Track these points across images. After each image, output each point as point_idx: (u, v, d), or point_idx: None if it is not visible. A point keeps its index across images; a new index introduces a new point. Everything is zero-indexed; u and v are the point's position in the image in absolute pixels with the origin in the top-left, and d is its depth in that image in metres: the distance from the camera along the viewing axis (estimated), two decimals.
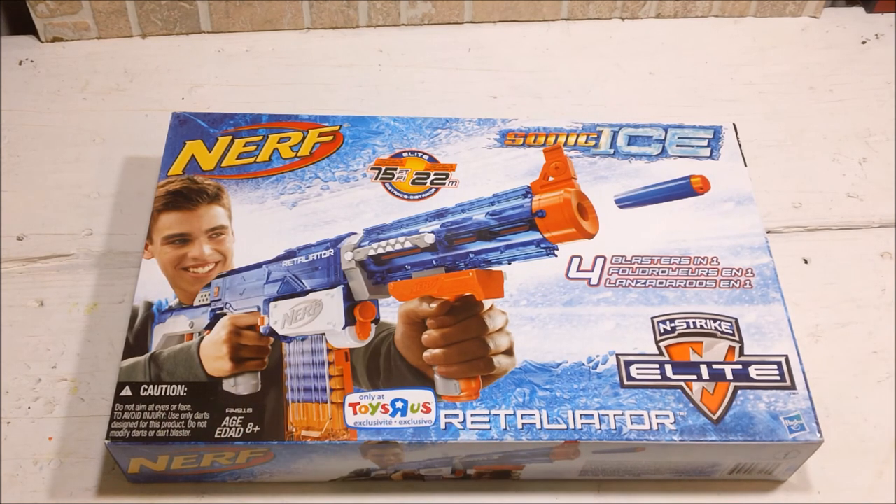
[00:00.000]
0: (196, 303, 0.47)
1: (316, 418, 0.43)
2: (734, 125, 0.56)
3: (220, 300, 0.47)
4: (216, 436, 0.43)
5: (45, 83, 0.67)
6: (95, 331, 0.54)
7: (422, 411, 0.43)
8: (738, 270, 0.49)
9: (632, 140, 0.54)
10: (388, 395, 0.44)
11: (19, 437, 0.49)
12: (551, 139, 0.53)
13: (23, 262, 0.57)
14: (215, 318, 0.46)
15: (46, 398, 0.51)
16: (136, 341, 0.46)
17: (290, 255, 0.47)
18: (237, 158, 0.51)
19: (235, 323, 0.46)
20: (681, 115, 0.67)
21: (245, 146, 0.52)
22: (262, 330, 0.46)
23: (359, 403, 0.44)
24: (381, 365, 0.45)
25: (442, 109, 0.66)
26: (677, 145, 0.54)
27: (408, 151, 0.52)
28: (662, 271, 0.49)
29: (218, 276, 0.48)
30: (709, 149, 0.54)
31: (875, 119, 0.69)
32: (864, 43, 0.74)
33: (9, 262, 0.57)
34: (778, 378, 0.45)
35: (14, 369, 0.52)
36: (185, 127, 0.53)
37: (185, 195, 0.50)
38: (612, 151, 0.53)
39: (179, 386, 0.44)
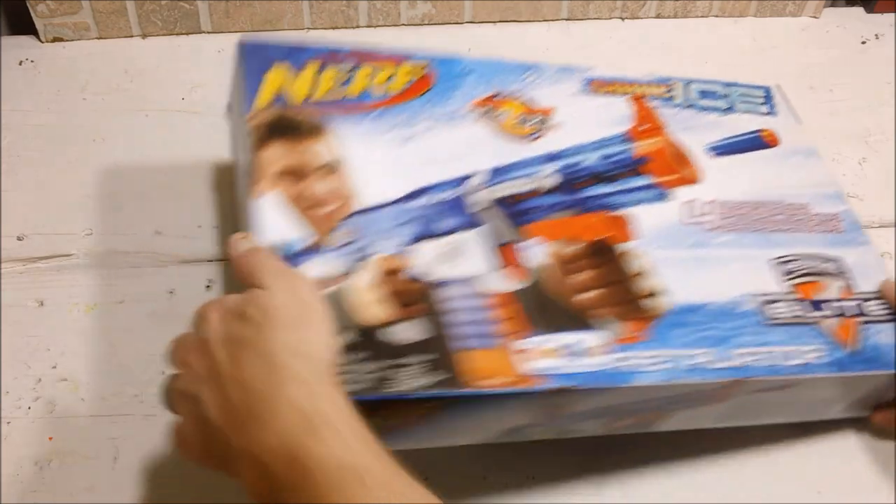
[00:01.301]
0: (335, 243, 0.41)
1: (490, 365, 0.39)
2: (779, 85, 0.58)
3: (355, 242, 0.42)
4: (388, 389, 0.37)
5: (45, 83, 0.67)
6: (96, 331, 0.54)
7: (594, 355, 0.41)
8: (826, 216, 0.51)
9: (702, 94, 0.54)
10: (558, 339, 0.41)
11: (19, 437, 0.49)
12: (631, 90, 0.52)
13: (23, 262, 0.57)
14: (356, 262, 0.41)
15: (47, 398, 0.51)
16: None
17: (420, 193, 0.43)
18: (330, 91, 0.45)
19: (385, 266, 0.41)
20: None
21: (337, 74, 0.46)
22: (409, 272, 0.41)
23: (533, 349, 0.40)
24: (543, 306, 0.42)
25: None
26: (741, 102, 0.55)
27: (502, 93, 0.49)
28: (767, 216, 0.50)
29: (347, 217, 0.42)
30: (766, 106, 0.56)
31: (875, 119, 0.69)
32: (864, 43, 0.75)
33: (9, 262, 0.57)
34: (890, 313, 0.48)
35: (14, 369, 0.52)
36: (258, 57, 0.46)
37: (287, 126, 0.44)
38: (687, 104, 0.53)
39: None
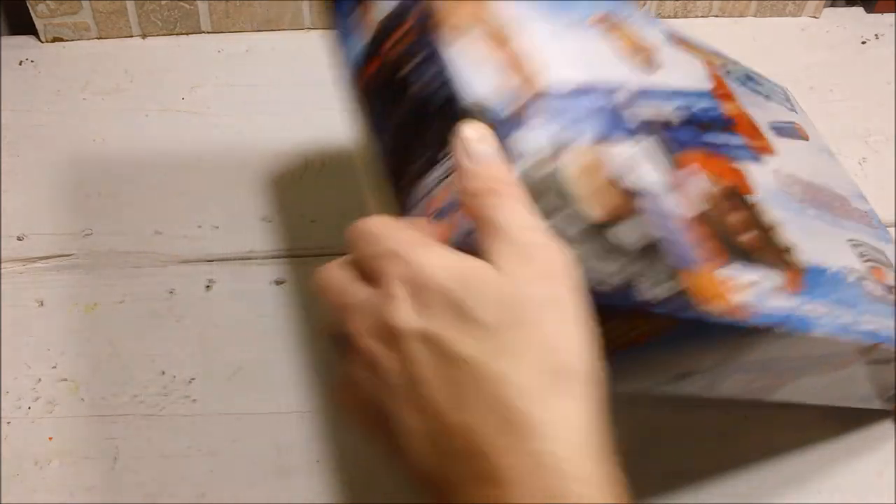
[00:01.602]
0: (530, 120, 0.34)
1: (706, 289, 0.35)
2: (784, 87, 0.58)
3: (553, 124, 0.35)
4: (636, 297, 0.33)
5: (45, 83, 0.67)
6: (96, 331, 0.54)
7: (778, 298, 0.38)
8: (861, 212, 0.51)
9: (748, 77, 0.53)
10: (747, 274, 0.37)
11: (19, 437, 0.49)
12: (701, 54, 0.49)
13: (23, 262, 0.57)
14: (559, 146, 0.34)
15: (47, 398, 0.51)
16: None
17: (587, 91, 0.38)
18: None
19: (591, 157, 0.33)
20: None
21: None
22: (612, 172, 0.36)
23: (732, 280, 0.37)
24: (725, 236, 0.37)
25: None
26: (772, 94, 0.54)
27: (611, 19, 0.44)
28: (828, 201, 0.49)
29: (539, 92, 0.35)
30: (788, 103, 0.55)
31: (875, 119, 0.69)
32: (864, 43, 0.75)
33: (9, 262, 0.57)
34: None
35: (14, 369, 0.52)
36: None
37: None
38: (742, 82, 0.51)
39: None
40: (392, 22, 0.36)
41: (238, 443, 0.49)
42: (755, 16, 0.76)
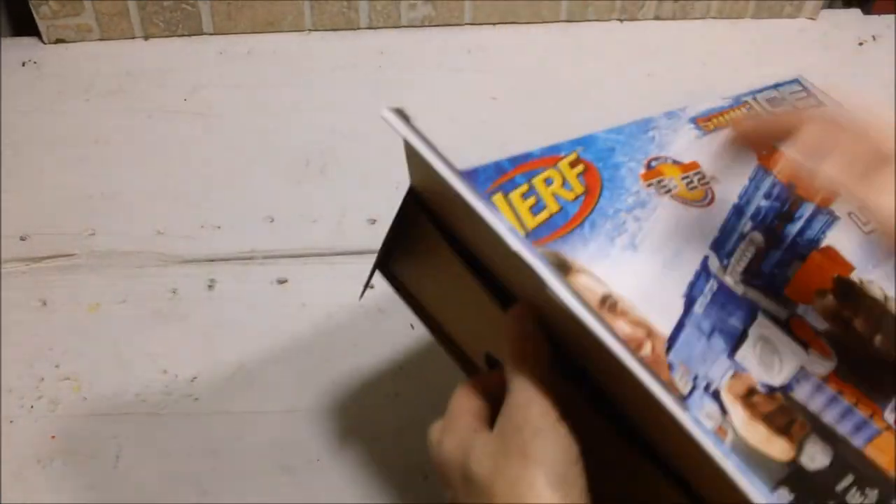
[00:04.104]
0: (685, 392, 0.38)
1: (891, 454, 0.37)
2: (800, 75, 0.56)
3: (696, 376, 0.38)
4: None
5: (47, 84, 0.68)
6: (98, 330, 0.54)
7: None
8: None
9: (771, 102, 0.51)
10: None
11: (22, 435, 0.49)
12: (729, 118, 0.49)
13: (26, 262, 0.57)
14: (716, 396, 0.38)
15: (49, 397, 0.51)
16: None
17: (690, 300, 0.40)
18: (534, 216, 0.41)
19: (737, 394, 0.37)
20: None
21: (525, 200, 0.41)
22: (761, 389, 0.38)
23: None
24: (863, 372, 0.39)
25: (443, 110, 0.67)
26: (796, 100, 0.52)
27: (653, 160, 0.45)
28: None
29: (668, 352, 0.38)
30: (812, 98, 0.53)
31: None
32: (861, 45, 0.75)
33: (12, 262, 0.57)
34: None
35: (17, 368, 0.52)
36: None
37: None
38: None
39: None
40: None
41: (239, 441, 0.50)
42: (753, 17, 0.76)
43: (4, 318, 0.54)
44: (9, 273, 0.56)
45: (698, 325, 0.39)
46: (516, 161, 0.42)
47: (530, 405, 0.31)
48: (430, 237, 0.39)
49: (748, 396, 0.37)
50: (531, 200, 0.41)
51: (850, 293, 0.40)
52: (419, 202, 0.40)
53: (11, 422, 0.50)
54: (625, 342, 0.29)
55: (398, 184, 0.62)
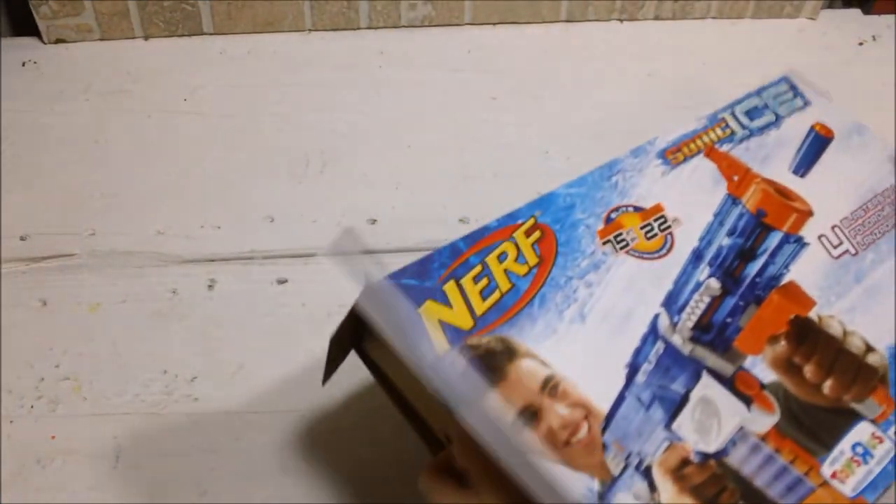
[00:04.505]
0: (616, 473, 0.38)
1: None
2: (791, 70, 0.56)
3: (629, 454, 0.38)
4: None
5: (48, 84, 0.68)
6: (98, 330, 0.54)
7: (877, 443, 0.39)
8: None
9: (749, 115, 0.51)
10: (842, 447, 0.39)
11: (22, 435, 0.49)
12: (700, 143, 0.49)
13: (26, 262, 0.57)
14: (647, 473, 0.38)
15: (49, 397, 0.51)
16: None
17: (633, 368, 0.40)
18: (484, 300, 0.42)
19: (668, 468, 0.38)
20: (679, 117, 0.68)
21: (476, 283, 0.43)
22: (694, 458, 0.38)
23: (835, 471, 0.39)
24: (806, 422, 0.39)
25: (443, 110, 0.67)
26: (779, 105, 0.52)
27: (613, 211, 0.46)
28: (876, 216, 0.47)
29: (603, 432, 0.39)
30: (798, 98, 0.53)
31: (872, 121, 0.69)
32: (860, 45, 0.75)
33: (12, 262, 0.57)
34: None
35: (17, 368, 0.52)
36: (406, 296, 0.42)
37: (481, 368, 0.40)
38: (748, 133, 0.50)
39: None
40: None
41: (239, 441, 0.50)
42: (752, 17, 0.76)
43: (4, 318, 0.54)
44: (9, 273, 0.57)
45: (638, 397, 0.39)
46: (472, 239, 0.43)
47: None
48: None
49: (680, 469, 0.38)
50: (483, 282, 0.42)
51: (806, 333, 0.41)
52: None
53: (11, 422, 0.50)
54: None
55: (398, 184, 0.62)
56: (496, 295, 0.42)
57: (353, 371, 0.53)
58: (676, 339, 0.41)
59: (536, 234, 0.44)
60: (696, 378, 0.40)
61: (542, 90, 0.69)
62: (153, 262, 0.57)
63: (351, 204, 0.61)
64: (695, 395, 0.39)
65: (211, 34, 0.72)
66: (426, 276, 0.42)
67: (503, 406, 0.38)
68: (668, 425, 0.39)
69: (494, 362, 0.39)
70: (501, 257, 0.43)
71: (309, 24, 0.72)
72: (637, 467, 0.38)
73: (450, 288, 0.42)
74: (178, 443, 0.49)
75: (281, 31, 0.72)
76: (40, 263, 0.57)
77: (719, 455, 0.38)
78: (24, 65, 0.69)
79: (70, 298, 0.55)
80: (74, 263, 0.57)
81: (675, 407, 0.39)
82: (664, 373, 0.40)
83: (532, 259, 0.43)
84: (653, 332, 0.41)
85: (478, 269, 0.43)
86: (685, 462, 0.38)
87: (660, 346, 0.41)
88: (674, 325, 0.41)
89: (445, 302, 0.41)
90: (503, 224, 0.44)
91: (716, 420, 0.39)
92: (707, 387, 0.39)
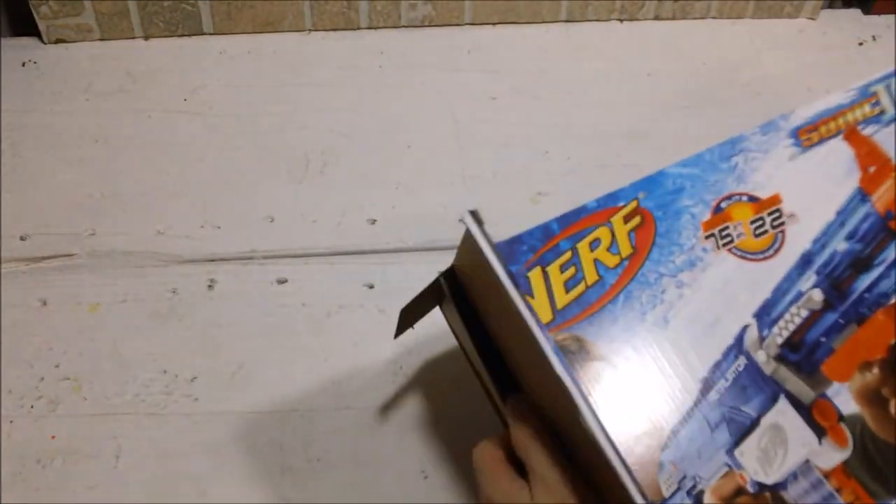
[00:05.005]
0: (666, 495, 0.36)
1: None
2: None
3: (684, 476, 0.36)
4: None
5: (47, 84, 0.68)
6: (98, 330, 0.54)
7: None
8: None
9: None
10: None
11: (22, 435, 0.49)
12: (841, 122, 0.43)
13: (26, 262, 0.57)
14: (698, 498, 0.36)
15: (49, 397, 0.51)
16: None
17: (707, 385, 0.38)
18: (567, 292, 0.39)
19: (721, 496, 0.36)
20: (679, 116, 0.68)
21: (563, 272, 0.39)
22: (750, 488, 0.36)
23: None
24: (878, 463, 0.37)
25: (443, 110, 0.67)
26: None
27: (724, 199, 0.41)
28: None
29: (663, 450, 0.37)
30: None
31: None
32: (861, 45, 0.75)
33: (12, 262, 0.57)
34: None
35: (17, 368, 0.52)
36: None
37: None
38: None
39: None
40: None
41: (239, 441, 0.50)
42: (753, 17, 0.76)
43: (4, 318, 0.54)
44: (8, 273, 0.57)
45: (706, 417, 0.37)
46: (566, 220, 0.40)
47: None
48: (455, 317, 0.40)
49: (733, 498, 0.36)
50: (570, 272, 0.39)
51: None
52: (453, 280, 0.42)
53: (11, 422, 0.50)
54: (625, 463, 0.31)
55: (398, 184, 0.62)
56: (581, 287, 0.39)
57: (353, 371, 0.53)
58: (760, 357, 0.38)
59: (636, 220, 0.40)
60: (771, 402, 0.37)
61: (542, 90, 0.69)
62: (153, 262, 0.57)
63: (351, 204, 0.61)
64: (766, 420, 0.37)
65: (211, 34, 0.72)
66: (513, 258, 0.39)
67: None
68: (730, 450, 0.36)
69: (567, 363, 0.36)
70: (594, 244, 0.40)
71: (309, 24, 0.72)
72: (689, 491, 0.36)
73: (535, 275, 0.39)
74: (178, 443, 0.49)
75: (281, 31, 0.72)
76: (40, 263, 0.57)
77: (777, 488, 0.36)
78: (24, 65, 0.69)
79: (70, 298, 0.55)
80: (74, 263, 0.57)
81: (742, 432, 0.37)
82: (739, 392, 0.37)
83: (625, 249, 0.40)
84: (737, 346, 0.38)
85: (567, 255, 0.39)
86: (739, 491, 0.36)
87: (741, 362, 0.37)
88: (762, 339, 0.38)
89: (528, 290, 0.38)
90: (602, 205, 0.40)
91: (782, 449, 0.36)
92: (781, 413, 0.37)
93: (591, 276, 0.39)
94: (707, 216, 0.40)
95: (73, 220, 0.59)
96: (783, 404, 0.37)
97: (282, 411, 0.51)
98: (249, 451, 0.49)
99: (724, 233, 0.40)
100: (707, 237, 0.40)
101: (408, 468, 0.49)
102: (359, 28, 0.73)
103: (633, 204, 0.40)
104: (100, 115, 0.66)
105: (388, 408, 0.51)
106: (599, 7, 0.74)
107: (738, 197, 0.41)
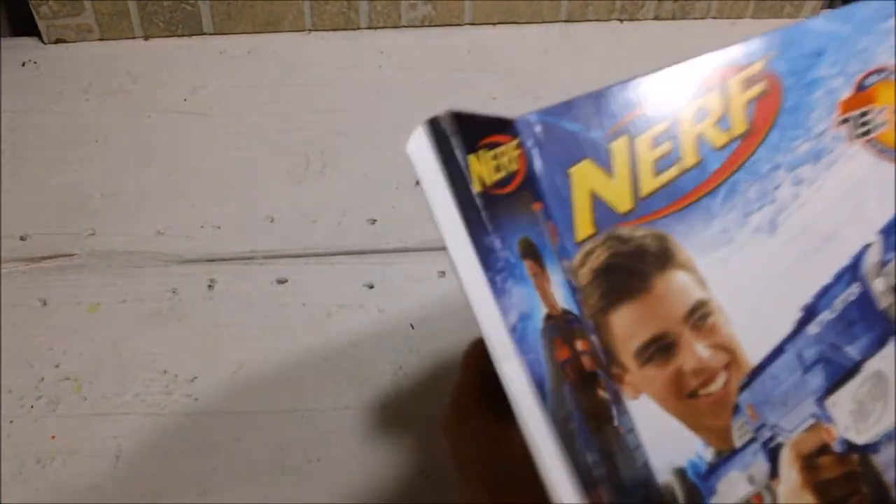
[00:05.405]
0: (738, 444, 0.30)
1: None
2: None
3: (762, 425, 0.30)
4: None
5: (47, 84, 0.68)
6: (98, 330, 0.54)
7: None
8: None
9: None
10: None
11: (22, 435, 0.49)
12: None
13: (26, 262, 0.57)
14: (773, 453, 0.30)
15: (49, 397, 0.51)
16: None
17: (810, 313, 0.31)
18: (657, 175, 0.31)
19: (802, 453, 0.30)
20: None
21: (655, 147, 0.31)
22: (836, 448, 0.30)
23: None
24: None
25: (442, 110, 0.67)
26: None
27: (872, 74, 0.32)
28: None
29: (741, 390, 0.30)
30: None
31: None
32: None
33: (12, 262, 0.57)
34: None
35: (17, 368, 0.52)
36: (546, 139, 0.31)
37: (624, 269, 0.30)
38: None
39: None
40: (575, 325, 0.30)
41: (239, 441, 0.50)
42: (753, 17, 0.76)
43: (4, 318, 0.54)
44: (9, 273, 0.57)
45: (800, 354, 0.30)
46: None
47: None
48: None
49: (815, 456, 0.30)
50: (664, 148, 0.31)
51: None
52: None
53: (11, 422, 0.50)
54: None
55: (398, 184, 0.62)
56: (674, 171, 0.31)
57: (353, 371, 0.53)
58: (878, 286, 0.30)
59: (759, 87, 0.32)
60: (879, 344, 0.30)
61: (542, 90, 0.69)
62: (153, 262, 0.57)
63: (351, 204, 0.61)
64: (869, 366, 0.30)
65: (211, 34, 0.72)
66: (595, 121, 0.31)
67: (633, 328, 0.29)
68: (821, 399, 0.30)
69: (642, 266, 0.30)
70: (700, 115, 0.32)
71: (309, 24, 0.72)
72: (765, 444, 0.30)
73: (619, 147, 0.31)
74: (178, 443, 0.49)
75: (281, 31, 0.72)
76: (40, 263, 0.57)
77: (867, 449, 0.30)
78: (24, 65, 0.69)
79: (70, 298, 0.55)
80: (74, 263, 0.57)
81: (840, 377, 0.30)
82: (845, 328, 0.30)
83: (739, 126, 0.31)
84: (853, 269, 0.31)
85: (663, 126, 0.32)
86: (823, 449, 0.30)
87: (854, 290, 0.30)
88: (882, 264, 0.30)
89: (606, 166, 0.31)
90: (721, 62, 0.32)
91: (881, 404, 0.30)
92: (887, 359, 0.30)
93: (689, 156, 0.31)
94: (847, 93, 0.31)
95: (73, 220, 0.59)
96: (892, 349, 0.30)
97: (282, 411, 0.51)
98: (249, 450, 0.49)
99: (863, 118, 0.32)
100: (841, 122, 0.31)
101: (408, 468, 0.49)
102: (359, 28, 0.73)
103: (760, 64, 0.32)
104: (100, 115, 0.66)
105: (388, 408, 0.51)
106: (599, 7, 0.74)
107: (890, 73, 0.32)
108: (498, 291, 0.27)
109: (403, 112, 0.67)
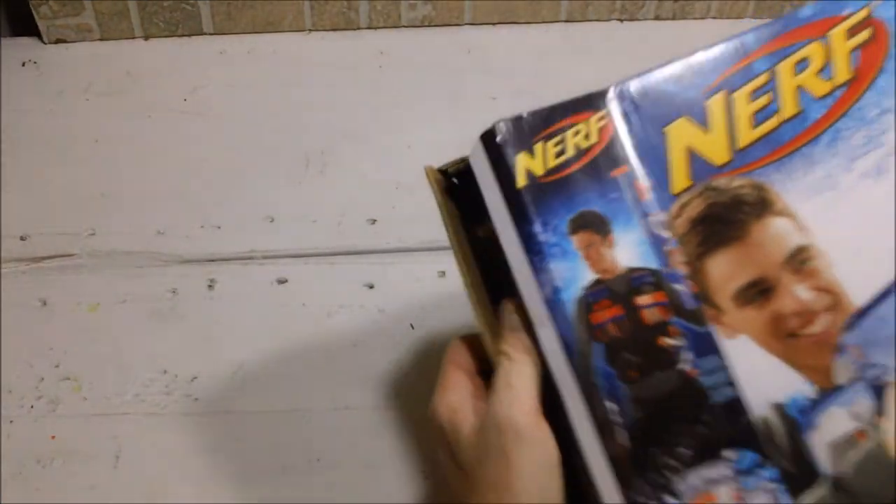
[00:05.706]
0: (840, 381, 0.30)
1: None
2: None
3: (870, 364, 0.30)
4: None
5: (47, 84, 0.68)
6: (98, 330, 0.54)
7: None
8: None
9: None
10: None
11: (22, 435, 0.49)
12: None
13: (26, 262, 0.57)
14: (878, 392, 0.30)
15: (49, 397, 0.51)
16: (798, 462, 0.29)
17: None
18: (755, 127, 0.31)
19: None
20: None
21: (753, 100, 0.31)
22: None
23: None
24: None
25: (443, 110, 0.67)
26: None
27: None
28: None
29: (846, 330, 0.30)
30: None
31: None
32: None
33: (12, 262, 0.57)
34: None
35: (16, 368, 0.52)
36: (643, 102, 0.31)
37: (721, 219, 0.30)
38: None
39: None
40: (644, 280, 0.30)
41: (239, 441, 0.50)
42: (753, 17, 0.76)
43: (4, 318, 0.54)
44: (9, 273, 0.57)
45: None
46: (769, 33, 0.31)
47: (513, 404, 0.31)
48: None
49: None
50: (762, 101, 0.31)
51: None
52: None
53: (11, 422, 0.50)
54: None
55: (398, 184, 0.62)
56: (773, 122, 0.31)
57: (353, 371, 0.53)
58: None
59: (864, 34, 0.31)
60: None
61: (542, 90, 0.69)
62: (153, 262, 0.57)
63: (351, 204, 0.61)
64: None
65: (211, 34, 0.72)
66: (691, 80, 0.31)
67: (727, 265, 0.29)
68: None
69: (738, 215, 0.30)
70: (800, 66, 0.31)
71: (309, 24, 0.72)
72: (872, 383, 0.30)
73: (716, 103, 0.31)
74: (179, 443, 0.49)
75: (281, 31, 0.72)
76: (40, 263, 0.57)
77: None
78: (24, 65, 0.69)
79: (70, 298, 0.55)
80: (74, 263, 0.57)
81: None
82: None
83: (843, 74, 0.31)
84: None
85: (762, 79, 0.31)
86: None
87: None
88: None
89: (703, 122, 0.30)
90: (822, 13, 0.31)
91: None
92: None
93: (789, 107, 0.31)
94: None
95: (73, 220, 0.59)
96: None
97: (282, 411, 0.51)
98: (249, 450, 0.49)
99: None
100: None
101: (408, 468, 0.49)
102: (359, 28, 0.73)
103: (865, 12, 0.31)
104: (99, 115, 0.66)
105: (388, 408, 0.51)
106: (599, 7, 0.74)
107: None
108: (536, 270, 0.30)
109: (403, 112, 0.67)
